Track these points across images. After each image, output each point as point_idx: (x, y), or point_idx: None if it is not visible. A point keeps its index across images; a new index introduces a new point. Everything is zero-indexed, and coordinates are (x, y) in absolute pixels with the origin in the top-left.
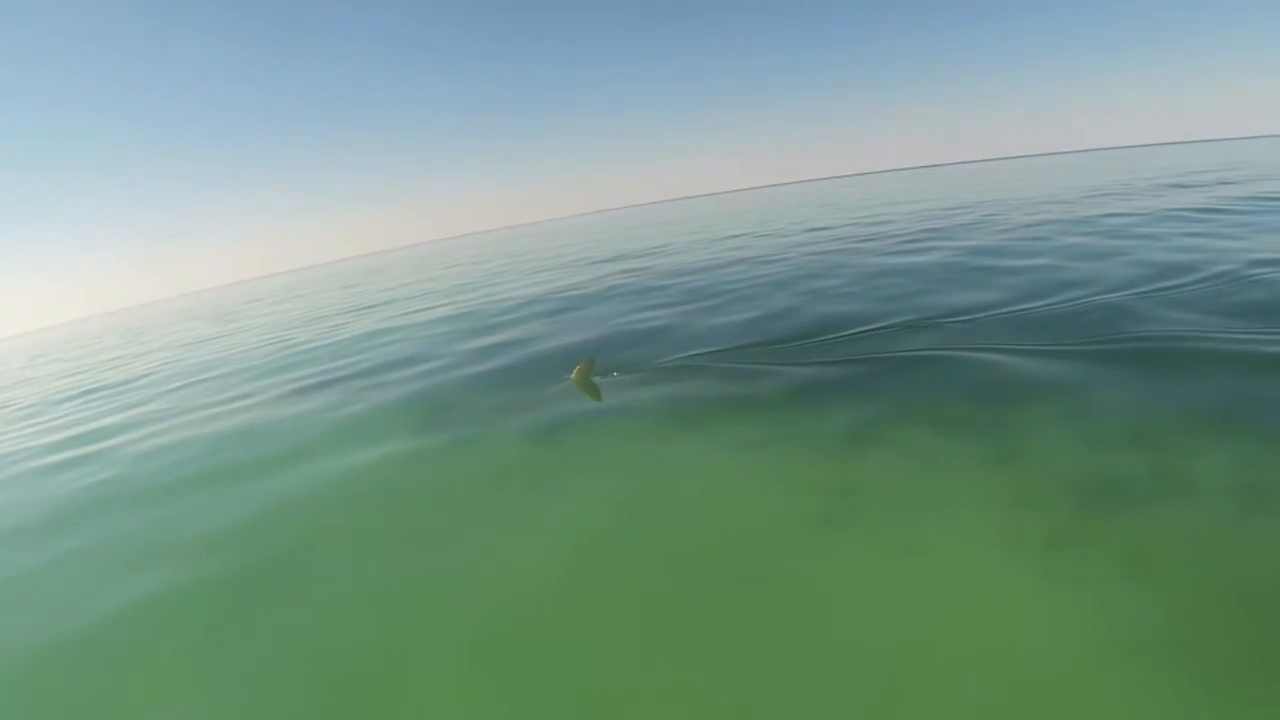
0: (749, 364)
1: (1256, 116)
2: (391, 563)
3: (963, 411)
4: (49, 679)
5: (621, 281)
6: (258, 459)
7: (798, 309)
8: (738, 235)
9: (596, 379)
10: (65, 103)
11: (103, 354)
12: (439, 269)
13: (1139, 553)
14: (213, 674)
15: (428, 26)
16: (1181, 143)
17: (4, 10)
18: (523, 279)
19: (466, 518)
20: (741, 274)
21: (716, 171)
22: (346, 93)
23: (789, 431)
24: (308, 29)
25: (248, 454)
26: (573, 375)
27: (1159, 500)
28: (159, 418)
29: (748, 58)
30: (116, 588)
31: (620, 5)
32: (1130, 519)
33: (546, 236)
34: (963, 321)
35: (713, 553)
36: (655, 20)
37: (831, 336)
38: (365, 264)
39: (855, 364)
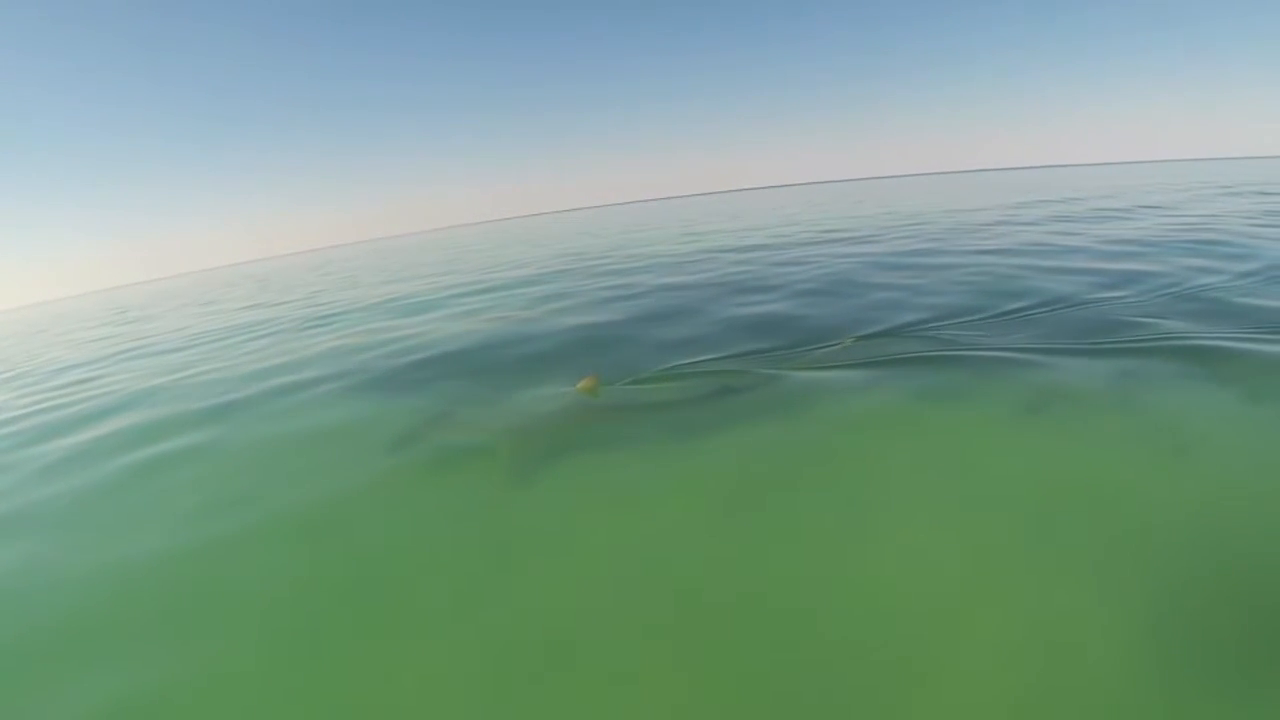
0: (760, 369)
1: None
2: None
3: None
4: None
5: None
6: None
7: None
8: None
9: (606, 387)
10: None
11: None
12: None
13: None
14: None
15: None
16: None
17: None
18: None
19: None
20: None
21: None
22: (339, 87)
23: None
24: (312, 22)
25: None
26: (579, 386)
27: None
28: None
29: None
30: None
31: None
32: None
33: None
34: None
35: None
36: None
37: (827, 344)
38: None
39: (857, 367)
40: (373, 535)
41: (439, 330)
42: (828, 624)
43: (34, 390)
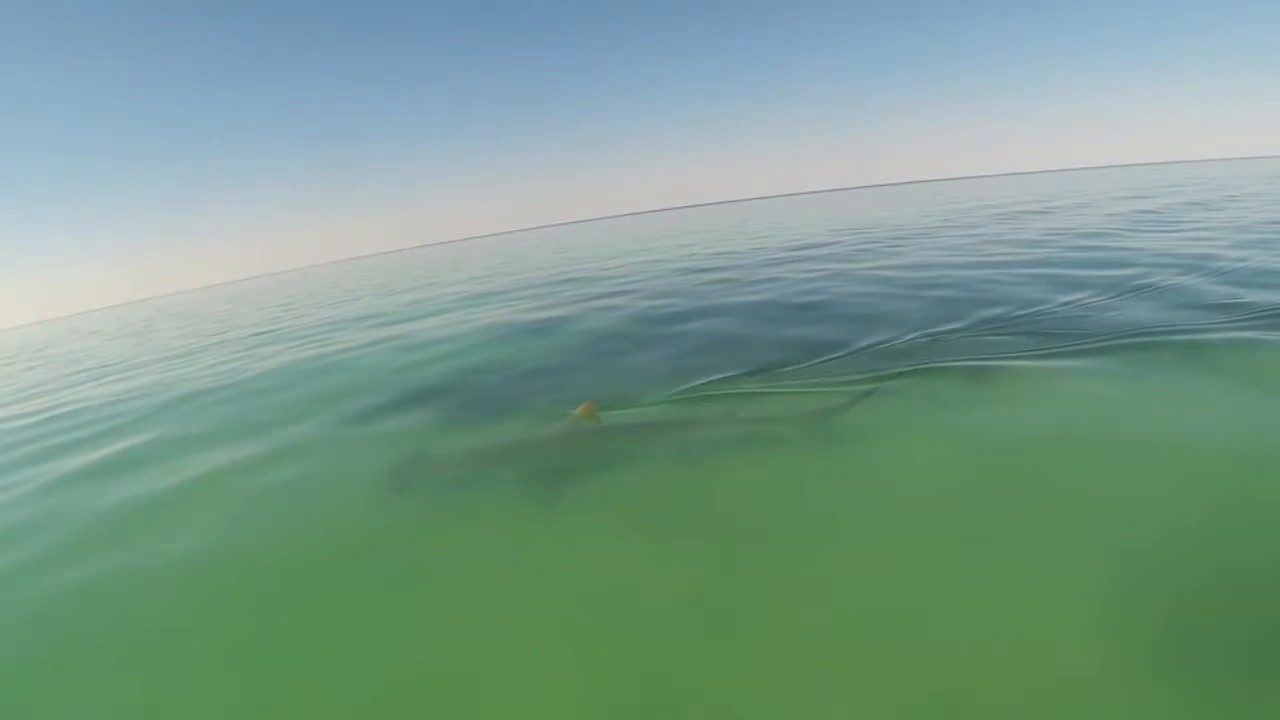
0: (771, 389)
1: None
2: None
3: None
4: None
5: None
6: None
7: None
8: None
9: (605, 412)
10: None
11: None
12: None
13: None
14: None
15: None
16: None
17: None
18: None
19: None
20: None
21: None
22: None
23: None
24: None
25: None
26: (579, 410)
27: None
28: None
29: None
30: None
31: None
32: None
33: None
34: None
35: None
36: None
37: (837, 355)
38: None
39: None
40: (388, 573)
41: (427, 354)
42: (853, 650)
43: None
